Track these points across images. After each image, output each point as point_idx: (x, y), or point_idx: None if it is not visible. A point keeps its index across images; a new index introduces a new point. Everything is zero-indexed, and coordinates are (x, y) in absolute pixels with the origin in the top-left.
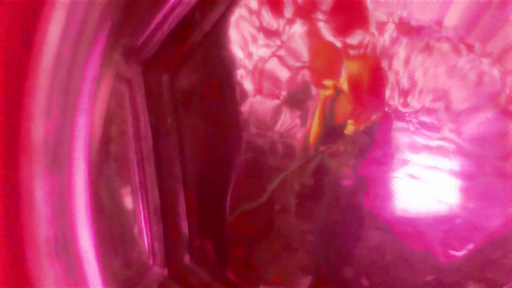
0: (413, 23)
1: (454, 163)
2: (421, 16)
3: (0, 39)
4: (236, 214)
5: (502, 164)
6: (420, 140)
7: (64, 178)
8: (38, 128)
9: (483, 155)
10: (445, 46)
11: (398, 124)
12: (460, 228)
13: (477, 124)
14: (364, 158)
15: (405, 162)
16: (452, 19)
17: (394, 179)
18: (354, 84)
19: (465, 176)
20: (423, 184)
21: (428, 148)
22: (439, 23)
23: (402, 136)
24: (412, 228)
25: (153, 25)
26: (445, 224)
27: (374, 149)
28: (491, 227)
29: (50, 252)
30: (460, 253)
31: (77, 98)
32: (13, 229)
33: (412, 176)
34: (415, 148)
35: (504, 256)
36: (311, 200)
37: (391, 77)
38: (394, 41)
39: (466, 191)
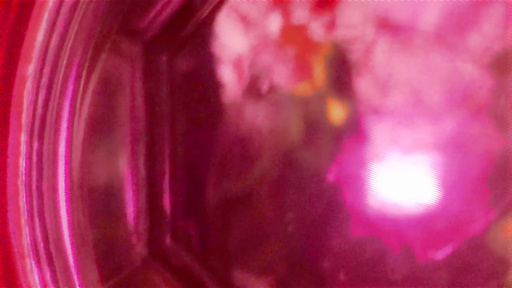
0: (391, 20)
1: (433, 160)
2: (399, 13)
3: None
4: (220, 198)
5: (482, 167)
6: (399, 136)
7: (50, 149)
8: (28, 98)
9: (462, 153)
10: (421, 43)
11: (376, 119)
12: (441, 230)
13: (454, 123)
14: (343, 153)
15: (384, 158)
16: (430, 16)
17: (373, 175)
18: (331, 78)
19: (445, 174)
20: (402, 182)
21: (406, 145)
22: (416, 20)
23: (381, 131)
24: (393, 227)
25: (158, 6)
26: (425, 225)
27: (352, 144)
28: (472, 231)
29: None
30: (439, 255)
31: (68, 74)
32: None
33: (391, 173)
34: (394, 144)
35: (482, 261)
36: (292, 191)
37: (368, 71)
38: (372, 35)
39: (447, 191)
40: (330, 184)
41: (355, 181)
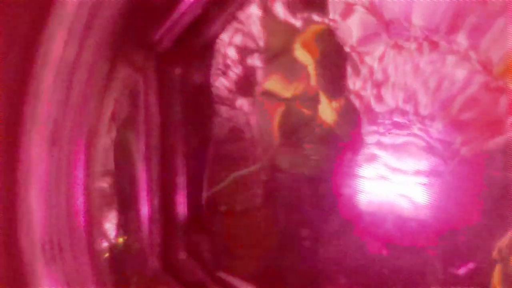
0: (385, 16)
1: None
2: (393, 14)
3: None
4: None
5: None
6: (393, 140)
7: (64, 159)
8: (43, 108)
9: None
10: (412, 46)
11: (370, 125)
12: (461, 246)
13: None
14: (336, 159)
15: (378, 162)
16: (419, 16)
17: (379, 187)
18: (325, 78)
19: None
20: (412, 195)
21: (403, 149)
22: (408, 20)
23: (374, 136)
24: (410, 243)
25: (171, 20)
26: (445, 241)
27: (346, 149)
28: (493, 246)
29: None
30: (460, 272)
31: (84, 85)
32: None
33: (396, 184)
34: (388, 149)
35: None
36: (307, 206)
37: (363, 72)
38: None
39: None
40: (325, 187)
41: (351, 185)
